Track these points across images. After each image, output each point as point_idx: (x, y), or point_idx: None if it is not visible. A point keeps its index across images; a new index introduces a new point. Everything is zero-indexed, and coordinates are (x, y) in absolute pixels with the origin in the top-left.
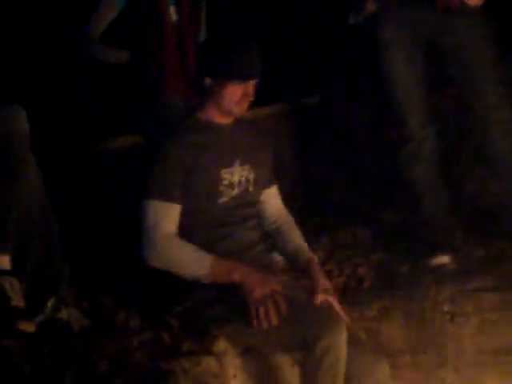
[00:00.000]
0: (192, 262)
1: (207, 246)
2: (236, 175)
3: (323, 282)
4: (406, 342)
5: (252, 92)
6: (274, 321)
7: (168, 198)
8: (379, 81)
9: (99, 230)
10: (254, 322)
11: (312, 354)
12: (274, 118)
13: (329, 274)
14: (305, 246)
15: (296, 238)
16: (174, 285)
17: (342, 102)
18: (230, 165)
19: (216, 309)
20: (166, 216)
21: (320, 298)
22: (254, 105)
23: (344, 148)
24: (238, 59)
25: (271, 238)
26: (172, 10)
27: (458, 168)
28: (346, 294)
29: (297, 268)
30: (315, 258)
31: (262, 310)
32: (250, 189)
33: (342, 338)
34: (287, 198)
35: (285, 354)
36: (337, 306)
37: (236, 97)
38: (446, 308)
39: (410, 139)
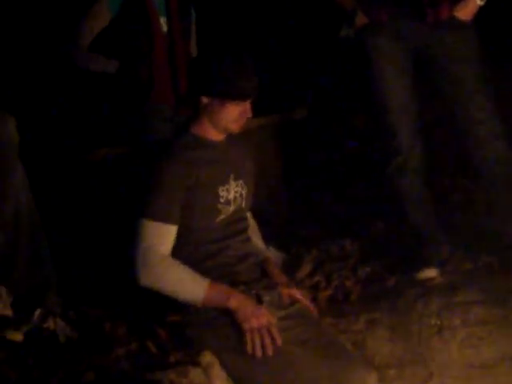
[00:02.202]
0: (187, 285)
1: (201, 262)
2: (231, 192)
3: (280, 277)
4: (393, 355)
5: (249, 110)
6: (270, 351)
7: (167, 219)
8: (369, 93)
9: (86, 240)
10: (249, 349)
11: None
12: (263, 129)
13: (316, 286)
14: (262, 245)
15: (254, 237)
16: (162, 296)
17: (330, 115)
18: (225, 182)
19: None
20: (164, 237)
21: (285, 290)
22: None
23: (332, 160)
24: (237, 79)
25: None
26: (162, 21)
27: (445, 180)
28: (333, 307)
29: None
30: (272, 258)
31: (257, 339)
32: (243, 204)
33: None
34: (275, 209)
35: None
36: (299, 297)
37: (234, 115)
38: (432, 321)
39: (398, 151)
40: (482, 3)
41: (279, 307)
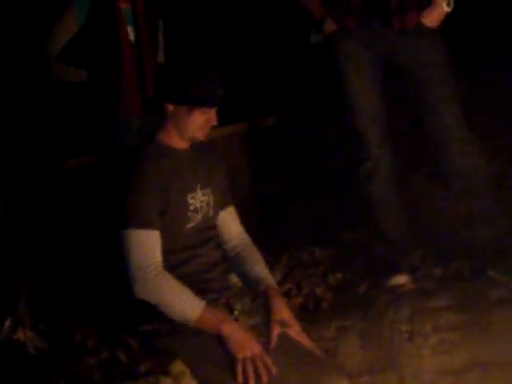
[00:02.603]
0: (182, 304)
1: (171, 269)
2: (198, 200)
3: (280, 313)
4: (365, 361)
5: (215, 117)
6: (265, 380)
7: (149, 224)
8: (337, 99)
9: (56, 251)
10: (240, 378)
11: None
12: (231, 138)
13: (287, 294)
14: (264, 272)
15: (255, 265)
16: (133, 306)
17: (300, 122)
18: (193, 190)
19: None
20: (151, 245)
21: (275, 330)
22: None
23: (301, 168)
24: (203, 87)
25: (231, 264)
26: (129, 29)
27: (414, 187)
28: (304, 315)
29: (256, 295)
30: (274, 286)
31: (251, 369)
32: (210, 213)
33: None
34: (245, 218)
35: None
36: (295, 337)
37: (200, 123)
38: (404, 327)
39: (367, 157)
40: (449, 10)
41: (251, 314)
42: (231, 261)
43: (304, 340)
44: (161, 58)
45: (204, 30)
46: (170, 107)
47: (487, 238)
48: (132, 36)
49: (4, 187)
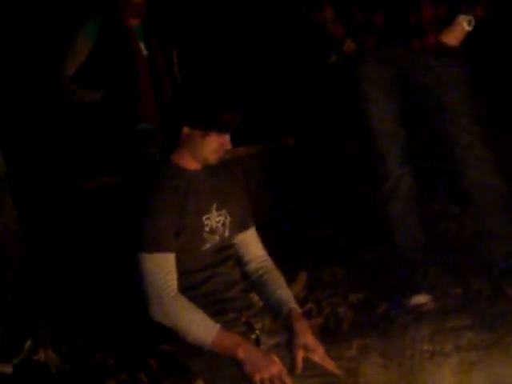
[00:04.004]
0: (198, 327)
1: (188, 290)
2: (214, 221)
3: (304, 336)
4: (386, 380)
5: (229, 141)
6: None
7: (165, 247)
8: (356, 119)
9: (76, 272)
10: None
11: None
12: (250, 159)
13: (308, 314)
14: (287, 296)
15: (278, 289)
16: (153, 325)
17: (319, 142)
18: (208, 211)
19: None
20: (167, 268)
21: (300, 354)
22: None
23: (321, 187)
24: (219, 112)
25: (254, 287)
26: (142, 45)
27: (433, 206)
28: (325, 334)
29: (279, 318)
30: (297, 309)
31: None
32: (226, 234)
33: None
34: (264, 237)
35: None
36: (319, 361)
37: (214, 147)
38: (425, 346)
39: (387, 177)
40: (470, 28)
41: (271, 334)
42: (253, 284)
43: (328, 364)
44: (177, 74)
45: (224, 50)
46: (186, 130)
47: (505, 256)
48: (144, 51)
49: (25, 209)
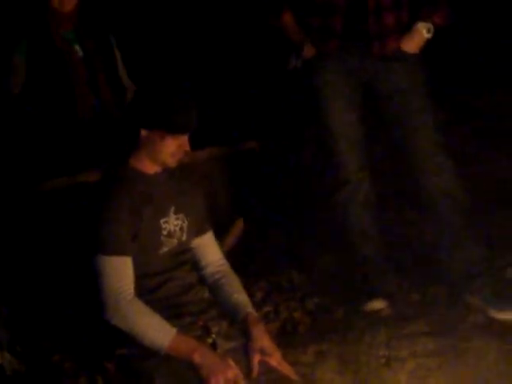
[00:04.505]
0: (154, 332)
1: (145, 294)
2: (172, 224)
3: (261, 341)
4: None
5: (187, 143)
6: None
7: (121, 251)
8: (317, 124)
9: (35, 273)
10: None
11: None
12: (211, 161)
13: (265, 318)
14: (243, 299)
15: (235, 293)
16: (110, 329)
17: (281, 146)
18: (166, 214)
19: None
20: (124, 272)
21: (256, 358)
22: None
23: (281, 192)
24: (176, 113)
25: (210, 291)
26: (77, 47)
27: (391, 212)
28: (281, 339)
29: (236, 322)
30: (254, 314)
31: None
32: (184, 238)
33: None
34: (223, 243)
35: None
36: (276, 365)
37: (172, 149)
38: (381, 352)
39: (346, 182)
40: (429, 36)
41: (228, 338)
42: (209, 288)
43: (284, 368)
44: (122, 73)
45: (187, 51)
46: (144, 132)
47: (463, 263)
48: (80, 52)
49: None
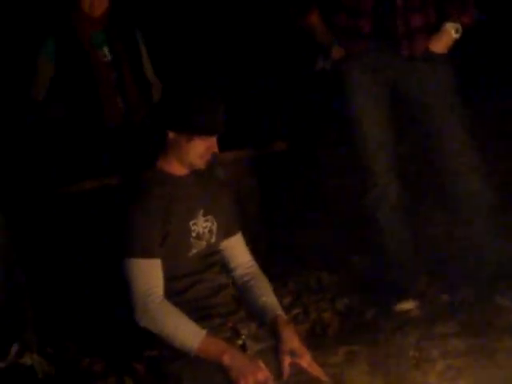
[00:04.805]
0: (183, 333)
1: (174, 296)
2: (200, 226)
3: (291, 342)
4: None
5: (215, 145)
6: None
7: (151, 253)
8: (346, 126)
9: (64, 276)
10: None
11: None
12: (240, 163)
13: (295, 319)
14: (272, 302)
15: (264, 295)
16: (140, 331)
17: (310, 147)
18: (195, 216)
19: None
20: (153, 274)
21: (286, 360)
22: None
23: (310, 193)
24: (204, 115)
25: (239, 293)
26: (105, 50)
27: (421, 212)
28: (311, 340)
29: (265, 324)
30: (283, 316)
31: None
32: (213, 240)
33: None
34: (252, 244)
35: None
36: (306, 367)
37: (200, 151)
38: (411, 353)
39: (375, 184)
40: (457, 36)
41: (258, 340)
42: (238, 290)
43: (314, 370)
44: (147, 69)
45: (214, 54)
46: (171, 134)
47: (493, 264)
48: (109, 56)
49: (10, 213)
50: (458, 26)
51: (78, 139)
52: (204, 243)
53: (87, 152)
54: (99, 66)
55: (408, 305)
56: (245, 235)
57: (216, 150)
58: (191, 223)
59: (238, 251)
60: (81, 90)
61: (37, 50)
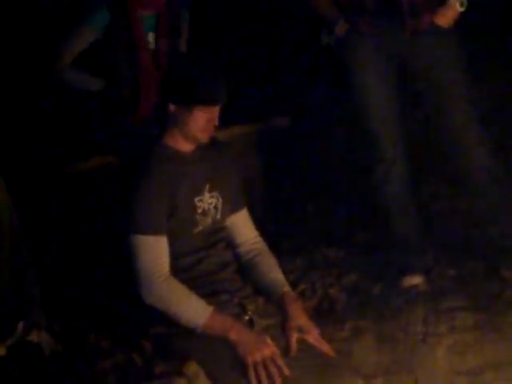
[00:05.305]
0: (190, 310)
1: (182, 272)
2: (206, 202)
3: (298, 319)
4: (379, 363)
5: (217, 117)
6: (278, 382)
7: (157, 230)
8: (351, 101)
9: (71, 253)
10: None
11: None
12: (245, 138)
13: (301, 295)
14: (279, 278)
15: (270, 271)
16: (147, 308)
17: (314, 123)
18: (201, 193)
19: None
20: (159, 251)
21: (293, 336)
22: (223, 125)
23: (316, 169)
24: (202, 84)
25: (244, 269)
26: (151, 36)
27: (427, 187)
28: (318, 316)
29: (271, 301)
30: (290, 292)
31: (262, 372)
32: (218, 216)
33: None
34: (259, 220)
35: None
36: (314, 342)
37: (202, 123)
38: (418, 328)
39: (381, 160)
40: (462, 9)
41: (265, 315)
42: (244, 266)
43: (322, 345)
44: (182, 46)
45: (217, 31)
46: (172, 107)
47: (500, 237)
48: (152, 44)
49: (14, 192)
50: None
51: (96, 117)
52: (209, 220)
53: (101, 131)
54: (144, 53)
55: (415, 280)
56: (250, 210)
57: (216, 122)
58: (197, 200)
59: (243, 227)
60: (122, 73)
61: (82, 16)
